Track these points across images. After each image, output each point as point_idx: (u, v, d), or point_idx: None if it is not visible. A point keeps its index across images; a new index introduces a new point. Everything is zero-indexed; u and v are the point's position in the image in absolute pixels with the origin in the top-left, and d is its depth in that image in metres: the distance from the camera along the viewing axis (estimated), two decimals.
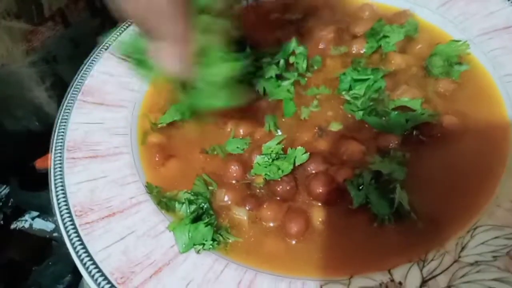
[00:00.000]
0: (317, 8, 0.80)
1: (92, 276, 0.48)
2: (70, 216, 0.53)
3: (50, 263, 0.72)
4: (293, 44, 0.69)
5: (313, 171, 0.56)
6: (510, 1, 0.70)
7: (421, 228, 0.50)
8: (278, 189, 0.55)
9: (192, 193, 0.55)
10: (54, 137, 0.62)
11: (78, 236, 0.52)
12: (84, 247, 0.51)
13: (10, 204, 0.82)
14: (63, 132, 0.62)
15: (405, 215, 0.50)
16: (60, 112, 0.65)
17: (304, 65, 0.67)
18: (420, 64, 0.67)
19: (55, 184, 0.56)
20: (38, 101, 0.75)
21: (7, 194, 0.82)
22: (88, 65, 0.71)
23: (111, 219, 0.53)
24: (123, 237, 0.51)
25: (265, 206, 0.53)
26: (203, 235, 0.50)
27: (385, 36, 0.68)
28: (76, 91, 0.68)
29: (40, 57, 0.70)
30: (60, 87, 0.73)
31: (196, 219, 0.52)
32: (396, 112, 0.58)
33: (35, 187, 0.80)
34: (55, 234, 0.79)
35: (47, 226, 0.80)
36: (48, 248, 0.77)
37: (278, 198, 0.55)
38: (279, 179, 0.55)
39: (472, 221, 0.50)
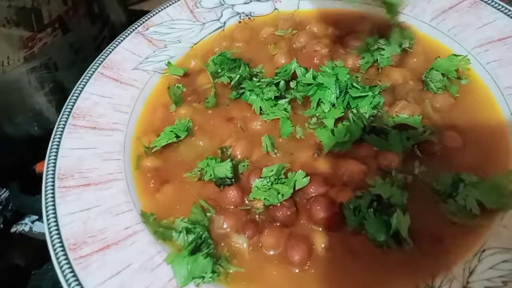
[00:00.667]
0: (310, 22, 0.79)
1: None
2: (64, 250, 0.51)
3: (49, 266, 0.70)
4: (293, 65, 0.67)
5: (314, 194, 0.55)
6: (503, 13, 0.69)
7: (425, 251, 0.49)
8: (279, 214, 0.53)
9: (190, 222, 0.53)
10: (45, 164, 0.60)
11: (73, 271, 0.49)
12: (79, 284, 0.48)
13: (10, 207, 0.80)
14: (54, 159, 0.60)
15: (403, 241, 0.49)
16: (53, 138, 0.62)
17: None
18: (417, 77, 0.66)
19: (47, 216, 0.54)
20: (38, 107, 0.75)
21: (7, 197, 0.81)
22: (79, 87, 0.68)
23: (106, 251, 0.51)
24: (119, 271, 0.49)
25: (265, 233, 0.52)
26: (202, 268, 0.49)
27: (380, 49, 0.67)
28: (67, 114, 0.65)
29: (40, 64, 0.71)
30: (60, 92, 0.74)
31: (195, 250, 0.50)
32: (396, 131, 0.57)
33: (35, 191, 0.78)
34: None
35: None
36: (48, 252, 0.74)
37: (278, 224, 0.53)
38: (279, 204, 0.53)
39: (478, 243, 0.49)
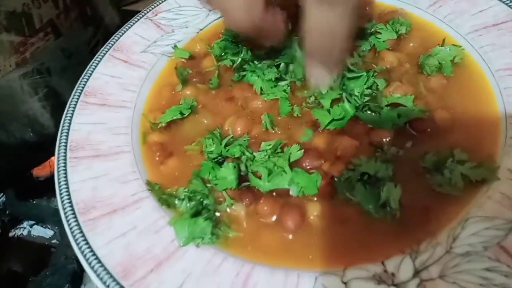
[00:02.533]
0: None
1: (95, 271, 0.50)
2: (74, 214, 0.55)
3: (47, 273, 0.72)
4: (293, 49, 0.70)
5: (308, 167, 0.58)
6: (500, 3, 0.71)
7: (412, 220, 0.52)
8: None
9: (190, 191, 0.57)
10: (58, 137, 0.64)
11: (81, 232, 0.53)
12: (87, 243, 0.52)
13: (7, 212, 0.83)
14: (66, 132, 0.64)
15: (392, 211, 0.52)
16: (65, 114, 0.66)
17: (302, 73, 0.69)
18: (412, 61, 0.68)
19: (59, 182, 0.58)
20: (32, 113, 0.75)
21: (4, 202, 0.83)
22: (91, 68, 0.73)
23: (113, 215, 0.55)
24: (125, 233, 0.53)
25: (261, 202, 0.55)
26: (202, 229, 0.52)
27: (377, 32, 0.70)
28: (79, 92, 0.69)
29: (32, 69, 0.70)
30: (54, 97, 0.74)
31: (196, 214, 0.54)
32: (388, 108, 0.60)
33: (32, 197, 0.81)
34: (53, 241, 0.80)
35: (46, 233, 0.81)
36: (47, 256, 0.77)
37: (274, 193, 0.56)
38: None
39: (463, 212, 0.51)
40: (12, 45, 0.65)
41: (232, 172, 0.56)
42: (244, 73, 0.69)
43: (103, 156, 0.61)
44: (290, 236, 0.53)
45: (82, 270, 0.72)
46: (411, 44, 0.71)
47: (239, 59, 0.71)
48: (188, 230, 0.52)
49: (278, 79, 0.68)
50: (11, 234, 0.80)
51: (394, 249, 0.50)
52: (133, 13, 0.82)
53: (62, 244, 0.76)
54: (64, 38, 0.73)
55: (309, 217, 0.54)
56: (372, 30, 0.71)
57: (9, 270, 0.77)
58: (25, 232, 0.80)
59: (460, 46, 0.67)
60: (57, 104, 0.68)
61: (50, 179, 0.87)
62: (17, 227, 0.81)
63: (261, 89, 0.67)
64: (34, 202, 0.83)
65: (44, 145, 0.63)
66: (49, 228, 0.81)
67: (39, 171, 0.86)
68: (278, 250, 0.52)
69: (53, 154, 0.62)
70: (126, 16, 0.84)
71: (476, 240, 0.48)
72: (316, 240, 0.52)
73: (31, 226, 0.81)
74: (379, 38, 0.71)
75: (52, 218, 0.80)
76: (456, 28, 0.71)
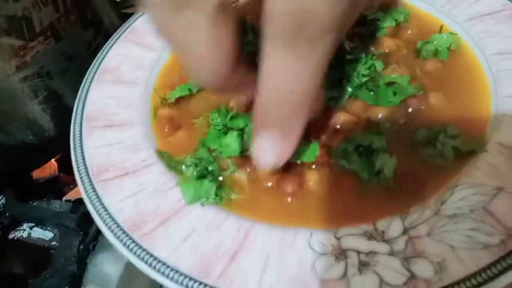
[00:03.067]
0: None
1: (107, 225, 0.54)
2: (88, 175, 0.59)
3: (47, 275, 0.72)
4: None
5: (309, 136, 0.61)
6: None
7: (404, 187, 0.55)
8: None
9: (196, 158, 0.61)
10: (75, 109, 0.69)
11: (95, 191, 0.58)
12: (100, 201, 0.56)
13: (7, 214, 0.83)
14: (82, 105, 0.69)
15: (385, 179, 0.55)
16: (82, 88, 0.71)
17: None
18: (410, 47, 0.72)
19: (75, 147, 0.63)
20: (32, 115, 0.74)
21: (4, 204, 0.83)
22: (106, 48, 0.77)
23: (124, 177, 0.59)
24: (135, 193, 0.57)
25: None
26: (207, 190, 0.56)
27: (376, 20, 0.74)
28: (95, 71, 0.74)
29: (33, 72, 0.70)
30: (54, 100, 0.75)
31: (201, 177, 0.58)
32: (384, 86, 0.64)
33: (32, 199, 0.82)
34: (53, 243, 0.80)
35: (46, 235, 0.82)
36: (47, 258, 0.77)
37: None
38: None
39: (452, 181, 0.54)
40: (13, 48, 0.65)
41: (235, 140, 0.59)
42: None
43: (116, 126, 0.66)
44: (289, 199, 0.56)
45: (81, 271, 0.73)
46: (409, 32, 0.75)
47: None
48: (194, 190, 0.56)
49: None
50: (10, 236, 0.80)
51: (386, 212, 0.53)
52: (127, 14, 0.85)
53: (61, 246, 0.77)
54: (65, 41, 0.73)
55: (307, 183, 0.58)
56: (372, 17, 0.75)
57: (9, 271, 0.77)
58: (25, 234, 0.79)
59: (456, 34, 0.71)
60: (57, 107, 0.69)
61: (49, 181, 0.91)
62: (17, 229, 0.80)
63: None
64: (34, 204, 0.82)
65: (44, 147, 0.65)
66: (48, 230, 0.82)
67: (39, 173, 0.89)
68: (277, 211, 0.55)
69: (53, 156, 0.63)
70: (126, 19, 0.85)
71: (463, 204, 0.51)
72: (313, 204, 0.56)
73: (30, 228, 0.80)
74: (379, 25, 0.75)
75: (51, 220, 0.80)
76: (453, 17, 0.75)
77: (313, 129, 0.61)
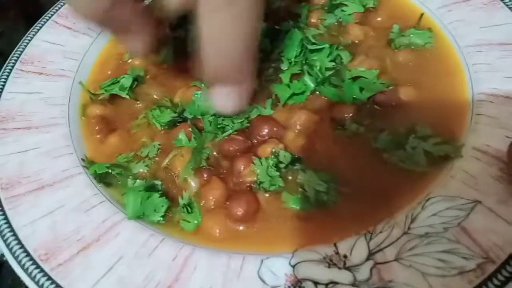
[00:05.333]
0: None
1: (13, 253, 0.44)
2: None
3: None
4: None
5: (266, 139, 0.53)
6: None
7: (370, 200, 0.48)
8: (231, 148, 0.52)
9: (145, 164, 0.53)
10: None
11: (2, 210, 0.47)
12: (7, 222, 0.46)
13: None
14: None
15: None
16: None
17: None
18: (379, 35, 0.64)
19: None
20: None
21: None
22: (30, 34, 0.66)
23: (40, 192, 0.49)
24: (51, 212, 0.48)
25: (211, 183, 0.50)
26: (156, 206, 0.48)
27: (343, 4, 0.65)
28: (15, 60, 0.63)
29: None
30: None
31: (149, 188, 0.49)
32: (350, 81, 0.56)
33: None
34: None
35: None
36: None
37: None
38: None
39: (424, 192, 0.48)
40: None
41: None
42: None
43: (34, 128, 0.55)
44: (239, 224, 0.48)
45: None
46: (379, 19, 0.67)
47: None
48: (141, 203, 0.47)
49: None
50: None
51: (348, 231, 0.45)
52: None
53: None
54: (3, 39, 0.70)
55: (259, 204, 0.49)
56: (338, 2, 0.67)
57: None
58: None
59: (432, 31, 0.63)
60: None
61: None
62: None
63: None
64: None
65: None
66: None
67: None
68: (222, 233, 0.47)
69: None
70: None
71: (437, 221, 0.44)
72: (265, 225, 0.48)
73: None
74: (345, 11, 0.66)
75: None
76: (425, 2, 0.67)
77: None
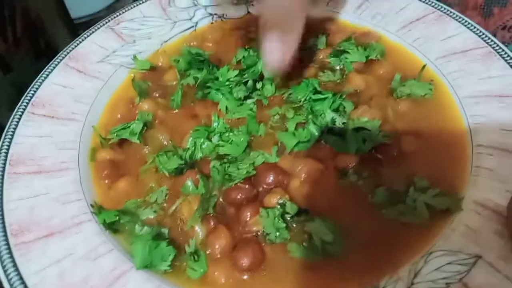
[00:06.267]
0: None
1: None
2: (5, 235, 0.50)
3: None
4: (260, 65, 0.67)
5: (271, 187, 0.55)
6: (466, 27, 0.71)
7: (373, 255, 0.49)
8: (237, 196, 0.53)
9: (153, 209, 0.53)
10: None
11: (11, 257, 0.48)
12: (17, 269, 0.47)
13: None
14: (8, 145, 0.59)
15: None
16: (9, 124, 0.61)
17: (271, 89, 0.66)
18: (381, 84, 0.67)
19: None
20: None
21: None
22: (42, 76, 0.68)
23: (49, 239, 0.50)
24: (60, 260, 0.48)
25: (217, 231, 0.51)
26: (163, 256, 0.48)
27: (345, 52, 0.68)
28: (26, 103, 0.64)
29: None
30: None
31: (156, 237, 0.50)
32: (353, 132, 0.57)
33: None
34: None
35: None
36: None
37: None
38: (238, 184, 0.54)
39: (426, 246, 0.49)
40: None
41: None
42: (208, 90, 0.66)
43: (45, 173, 0.56)
44: (245, 276, 0.49)
45: None
46: (381, 72, 0.69)
47: (202, 76, 0.67)
48: (149, 252, 0.48)
49: (244, 97, 0.65)
50: None
51: (353, 283, 0.46)
52: None
53: None
54: (15, 72, 0.69)
55: (265, 256, 0.50)
56: (342, 48, 0.69)
57: None
58: None
59: (432, 83, 0.65)
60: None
61: None
62: None
63: (226, 108, 0.64)
64: None
65: None
66: None
67: None
68: (230, 283, 0.48)
69: None
70: None
71: (439, 276, 0.45)
72: (270, 275, 0.48)
73: None
74: (347, 59, 0.69)
75: None
76: (426, 52, 0.70)
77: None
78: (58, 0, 0.79)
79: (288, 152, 0.58)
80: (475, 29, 0.70)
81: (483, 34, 0.68)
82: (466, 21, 0.71)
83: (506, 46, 0.66)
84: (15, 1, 0.66)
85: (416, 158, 0.57)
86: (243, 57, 0.71)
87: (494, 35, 0.75)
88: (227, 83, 0.66)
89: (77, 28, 0.98)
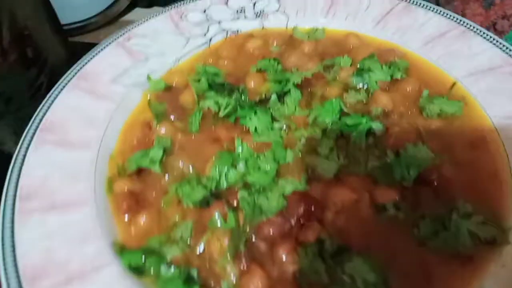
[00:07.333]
0: (298, 40, 0.76)
1: None
2: (19, 282, 0.45)
3: None
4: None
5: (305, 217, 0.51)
6: (492, 43, 0.68)
7: None
8: (271, 231, 0.50)
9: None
10: (6, 182, 0.54)
11: None
12: None
13: None
14: (17, 177, 0.54)
15: None
16: (17, 153, 0.56)
17: (293, 108, 0.63)
18: (410, 102, 0.64)
19: (3, 240, 0.48)
20: None
21: None
22: (50, 99, 0.63)
23: (68, 286, 0.45)
24: None
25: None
26: None
27: (370, 70, 0.65)
28: (35, 128, 0.59)
29: None
30: None
31: (188, 279, 0.46)
32: (393, 158, 0.54)
33: None
34: None
35: None
36: None
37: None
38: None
39: (475, 283, 0.46)
40: None
41: None
42: (237, 114, 0.62)
43: (60, 209, 0.51)
44: None
45: None
46: (408, 89, 0.66)
47: (229, 106, 0.62)
48: None
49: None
50: None
51: None
52: (82, 46, 0.74)
53: None
54: (2, 82, 0.64)
55: None
56: (367, 67, 0.66)
57: None
58: None
59: (461, 102, 0.63)
60: None
61: None
62: None
63: (256, 129, 0.60)
64: None
65: None
66: None
67: None
68: None
69: None
70: (73, 50, 0.75)
71: None
72: None
73: None
74: (371, 77, 0.66)
75: None
76: (452, 69, 0.67)
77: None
78: (46, 7, 0.74)
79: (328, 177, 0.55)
80: (500, 45, 0.67)
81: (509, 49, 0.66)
82: (491, 37, 0.69)
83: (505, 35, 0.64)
84: (1, 10, 0.61)
85: (455, 184, 0.54)
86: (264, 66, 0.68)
87: (494, 26, 0.73)
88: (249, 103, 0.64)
89: (70, 34, 0.95)
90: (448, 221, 0.50)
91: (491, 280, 0.45)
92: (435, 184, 0.54)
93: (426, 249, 0.49)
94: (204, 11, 0.78)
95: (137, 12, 1.06)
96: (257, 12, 0.79)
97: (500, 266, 0.46)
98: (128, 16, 1.05)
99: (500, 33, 0.82)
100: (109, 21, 1.02)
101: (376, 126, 0.59)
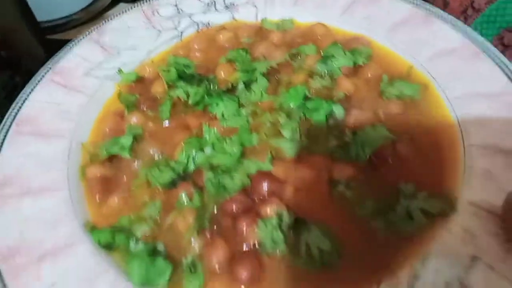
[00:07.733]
0: (267, 30, 0.79)
1: None
2: None
3: None
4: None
5: (267, 196, 0.54)
6: (455, 30, 0.71)
7: (371, 260, 0.49)
8: (233, 208, 0.53)
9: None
10: None
11: (2, 282, 0.46)
12: None
13: None
14: None
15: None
16: None
17: (259, 94, 0.66)
18: (371, 85, 0.67)
19: None
20: None
21: None
22: (25, 93, 0.66)
23: (41, 263, 0.48)
24: (54, 283, 0.46)
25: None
26: (160, 271, 0.48)
27: (333, 57, 0.68)
28: (11, 121, 0.62)
29: None
30: None
31: (152, 253, 0.49)
32: (352, 135, 0.58)
33: None
34: None
35: None
36: None
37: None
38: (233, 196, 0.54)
39: (424, 249, 0.49)
40: None
41: None
42: (205, 102, 0.65)
43: (33, 194, 0.54)
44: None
45: None
46: (369, 74, 0.69)
47: (200, 93, 0.65)
48: (146, 269, 0.47)
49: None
50: None
51: None
52: (61, 44, 0.74)
53: None
54: None
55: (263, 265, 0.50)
56: (330, 54, 0.69)
57: None
58: None
59: (419, 85, 0.66)
60: None
61: None
62: None
63: (223, 115, 0.63)
64: None
65: None
66: None
67: None
68: None
69: None
70: (50, 49, 0.75)
71: (438, 279, 0.45)
72: (268, 286, 0.48)
73: None
74: (335, 64, 0.69)
75: None
76: (412, 54, 0.70)
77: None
78: (22, 6, 0.74)
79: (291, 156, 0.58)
80: (463, 29, 0.70)
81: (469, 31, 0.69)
82: (450, 19, 0.72)
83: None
84: None
85: (408, 161, 0.57)
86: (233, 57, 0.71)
87: (472, 4, 0.75)
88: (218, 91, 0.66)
89: (53, 31, 0.95)
90: (393, 204, 0.52)
91: (438, 245, 0.48)
92: (390, 161, 0.56)
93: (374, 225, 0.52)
94: (176, 5, 0.81)
95: (121, 7, 1.03)
96: (228, 5, 0.82)
97: (447, 233, 0.49)
98: (112, 12, 1.03)
99: (477, 11, 0.82)
100: (92, 17, 1.00)
101: (337, 109, 0.62)
